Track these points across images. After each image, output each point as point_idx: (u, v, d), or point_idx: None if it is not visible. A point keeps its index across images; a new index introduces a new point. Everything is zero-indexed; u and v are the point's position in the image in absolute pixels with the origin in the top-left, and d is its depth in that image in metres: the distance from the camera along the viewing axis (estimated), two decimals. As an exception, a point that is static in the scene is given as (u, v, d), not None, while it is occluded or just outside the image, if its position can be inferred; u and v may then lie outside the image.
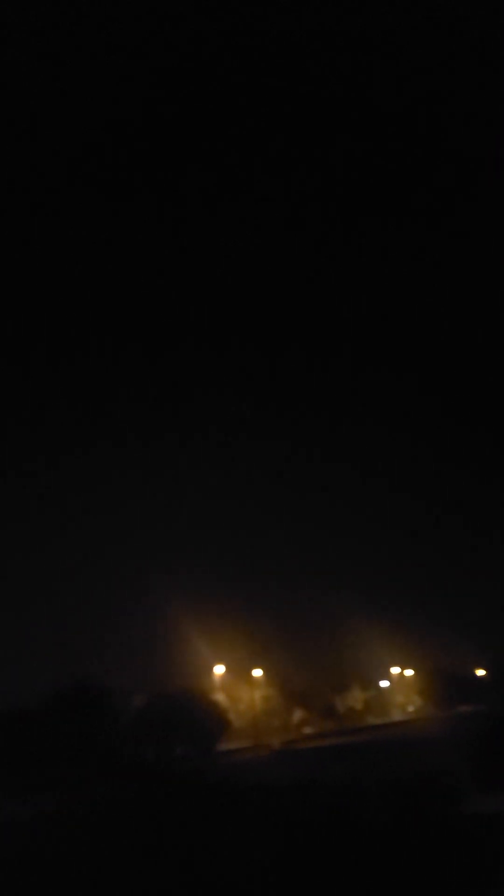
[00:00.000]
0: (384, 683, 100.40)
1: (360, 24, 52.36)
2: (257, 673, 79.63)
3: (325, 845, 19.48)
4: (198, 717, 61.48)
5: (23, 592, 75.73)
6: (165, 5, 54.67)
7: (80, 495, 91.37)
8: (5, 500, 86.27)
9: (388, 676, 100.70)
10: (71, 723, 50.87)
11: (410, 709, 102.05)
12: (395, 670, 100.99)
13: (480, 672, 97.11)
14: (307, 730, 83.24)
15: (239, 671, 78.74)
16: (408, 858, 18.52)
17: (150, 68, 59.59)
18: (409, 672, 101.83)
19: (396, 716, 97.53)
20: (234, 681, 78.44)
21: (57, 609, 74.13)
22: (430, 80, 62.40)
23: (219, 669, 77.72)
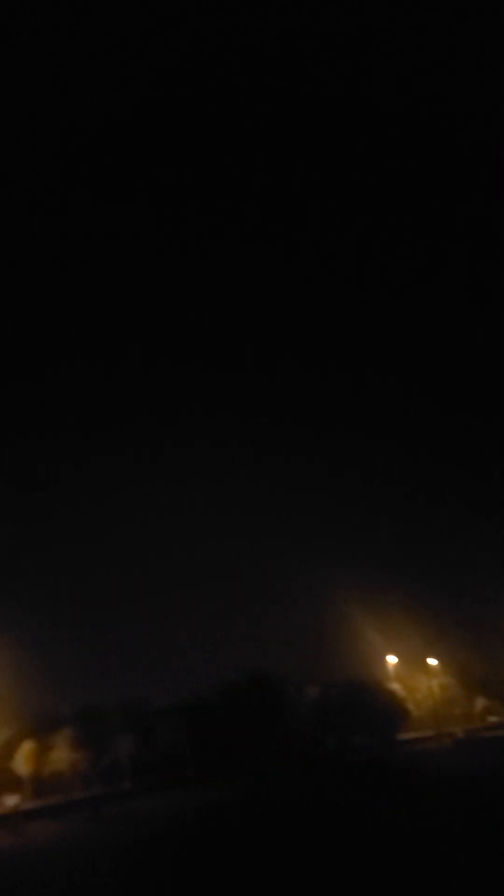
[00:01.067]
0: None
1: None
2: (432, 661, 77.39)
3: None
4: (376, 707, 60.49)
5: (200, 589, 78.99)
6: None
7: (248, 495, 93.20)
8: (183, 509, 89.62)
9: None
10: (248, 713, 52.14)
11: None
12: None
13: None
14: (492, 718, 79.49)
15: (413, 660, 76.88)
16: None
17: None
18: None
19: None
20: (409, 670, 76.66)
21: (231, 603, 76.47)
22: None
23: (392, 659, 76.32)
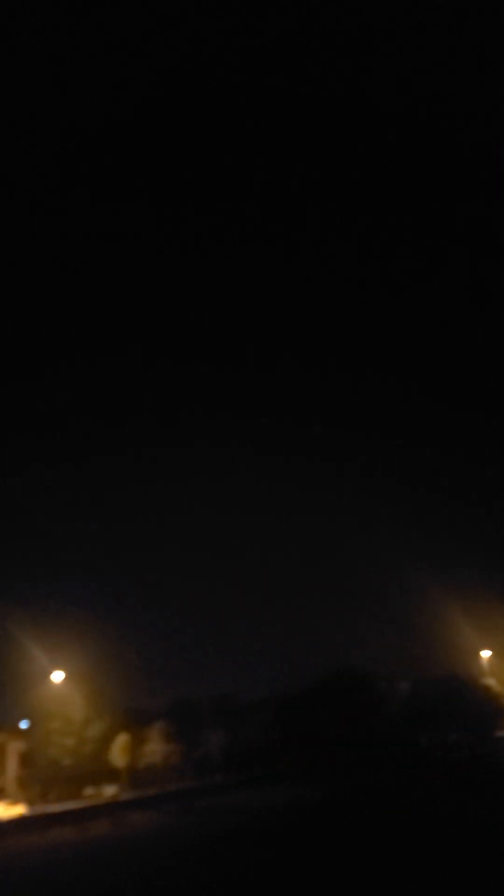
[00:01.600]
0: None
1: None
2: (529, 656, 74.39)
3: None
4: (471, 703, 58.71)
5: (290, 583, 79.09)
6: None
7: (336, 487, 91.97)
8: (274, 506, 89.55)
9: None
10: (337, 709, 51.62)
11: None
12: None
13: None
14: None
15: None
16: None
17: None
18: None
19: None
20: (504, 664, 74.02)
21: (322, 597, 76.13)
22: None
23: (486, 653, 73.85)
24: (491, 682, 67.18)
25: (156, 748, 54.15)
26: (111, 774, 52.74)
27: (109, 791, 50.90)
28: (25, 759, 54.18)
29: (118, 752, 54.03)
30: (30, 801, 49.23)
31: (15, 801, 49.20)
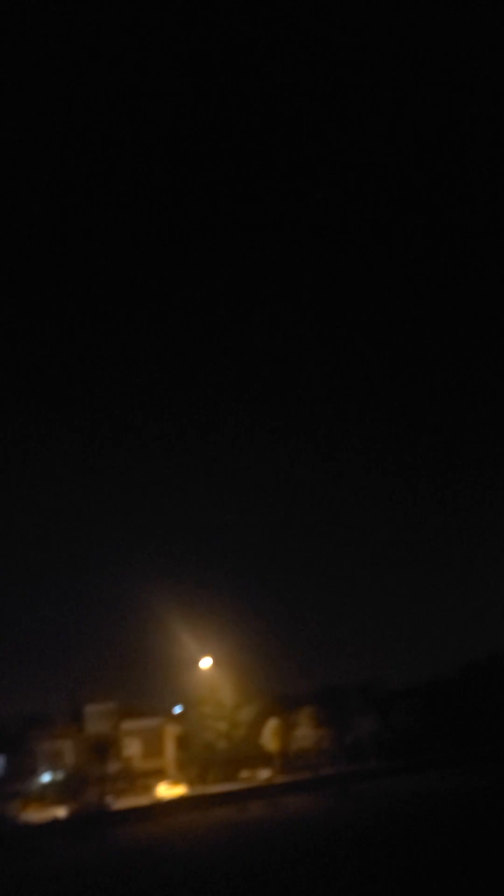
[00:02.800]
0: None
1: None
2: None
3: None
4: None
5: (438, 568, 77.29)
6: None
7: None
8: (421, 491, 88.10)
9: None
10: (489, 694, 49.72)
11: None
12: None
13: None
14: None
15: None
16: None
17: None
18: None
19: None
20: None
21: (471, 581, 73.75)
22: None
23: None
24: None
25: (306, 733, 54.74)
26: (264, 758, 53.90)
27: (264, 774, 52.05)
28: (182, 742, 56.54)
29: (270, 737, 55.13)
30: (189, 782, 51.35)
31: (176, 782, 51.52)
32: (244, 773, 52.61)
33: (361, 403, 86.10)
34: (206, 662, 57.81)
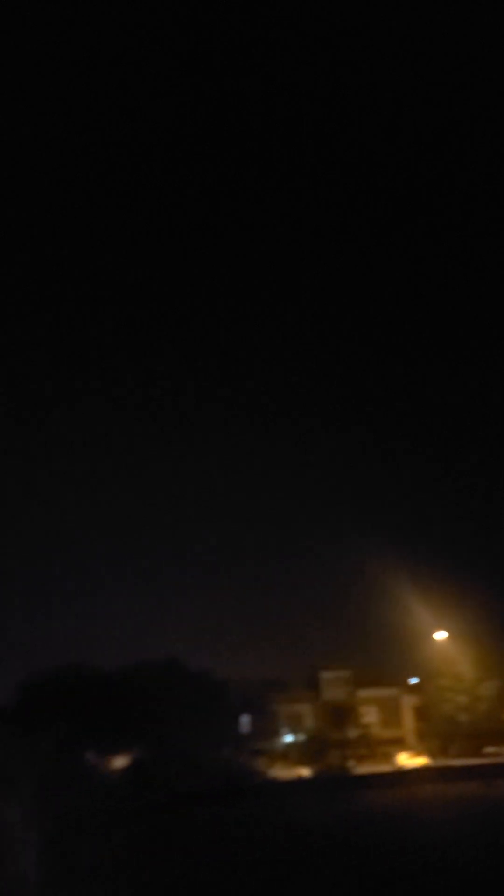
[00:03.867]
0: None
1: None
2: None
3: None
4: None
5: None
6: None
7: None
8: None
9: None
10: None
11: None
12: None
13: None
14: None
15: None
16: None
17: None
18: None
19: None
20: None
21: None
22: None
23: None
24: None
25: None
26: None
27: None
28: (420, 714, 55.70)
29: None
30: (431, 754, 50.44)
31: (417, 752, 50.91)
32: (490, 749, 50.37)
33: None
34: (440, 635, 56.31)
